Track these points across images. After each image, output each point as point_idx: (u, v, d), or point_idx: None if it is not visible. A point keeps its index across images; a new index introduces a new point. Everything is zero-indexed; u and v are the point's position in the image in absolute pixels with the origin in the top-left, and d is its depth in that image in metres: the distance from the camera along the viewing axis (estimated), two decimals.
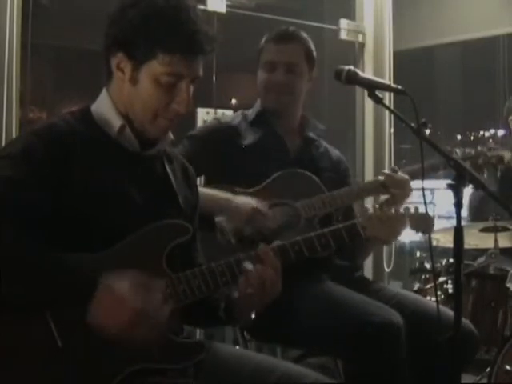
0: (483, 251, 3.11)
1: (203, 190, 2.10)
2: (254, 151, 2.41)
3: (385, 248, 4.20)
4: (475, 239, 3.06)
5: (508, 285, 2.80)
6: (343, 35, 4.25)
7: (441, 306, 2.21)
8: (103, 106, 1.69)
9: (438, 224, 3.36)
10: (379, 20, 4.31)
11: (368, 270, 4.18)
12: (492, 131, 2.45)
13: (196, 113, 3.58)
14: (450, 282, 2.96)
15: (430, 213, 2.40)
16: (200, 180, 2.40)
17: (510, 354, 2.61)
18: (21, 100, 3.07)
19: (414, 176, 2.39)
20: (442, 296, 2.94)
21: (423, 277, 3.12)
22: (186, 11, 1.61)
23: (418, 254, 3.56)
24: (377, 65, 4.31)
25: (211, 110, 3.62)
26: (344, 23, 4.24)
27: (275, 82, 2.42)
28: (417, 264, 3.21)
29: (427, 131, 1.78)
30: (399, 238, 2.02)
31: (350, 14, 4.37)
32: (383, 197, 2.38)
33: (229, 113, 3.44)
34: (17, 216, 1.49)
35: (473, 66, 5.59)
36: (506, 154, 2.45)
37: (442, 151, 1.70)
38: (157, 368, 1.55)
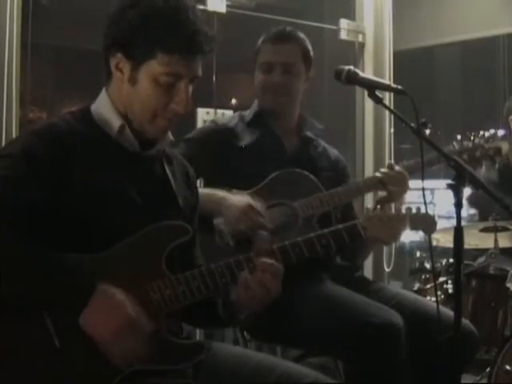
0: (483, 251, 3.11)
1: (200, 190, 2.09)
2: (251, 152, 2.40)
3: (385, 248, 4.20)
4: (475, 239, 3.06)
5: (508, 285, 2.80)
6: (343, 35, 4.25)
7: (441, 306, 2.21)
8: (103, 106, 1.69)
9: (438, 224, 3.36)
10: (379, 20, 4.31)
11: (368, 269, 4.18)
12: (492, 131, 2.43)
13: (196, 113, 3.58)
14: (450, 281, 2.96)
15: (430, 213, 2.39)
16: (200, 182, 2.40)
17: (510, 354, 2.61)
18: (21, 100, 3.07)
19: (410, 171, 2.38)
20: (442, 296, 2.94)
21: (423, 277, 3.12)
22: (185, 11, 1.61)
23: (418, 253, 3.56)
24: (377, 65, 4.31)
25: (211, 110, 3.62)
26: (344, 23, 4.24)
27: (272, 82, 2.42)
28: (417, 264, 3.21)
29: (427, 131, 1.78)
30: (399, 238, 2.02)
31: (350, 14, 4.37)
32: (381, 193, 2.37)
33: (229, 113, 3.45)
34: (16, 216, 1.49)
35: (473, 66, 5.58)
36: (504, 146, 2.43)
37: (442, 151, 1.70)
38: (156, 369, 1.55)
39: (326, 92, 4.87)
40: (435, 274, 3.00)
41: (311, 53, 2.49)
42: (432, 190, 4.45)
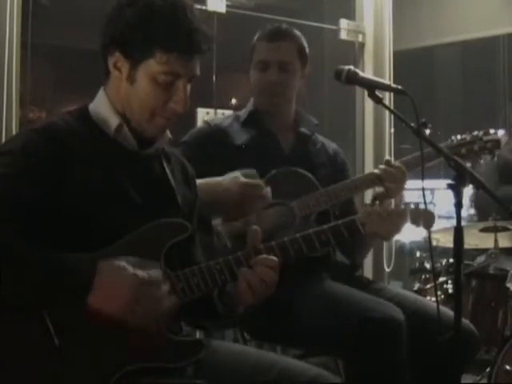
0: (483, 251, 3.11)
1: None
2: (246, 151, 2.40)
3: (385, 248, 4.20)
4: (475, 239, 3.06)
5: (508, 285, 2.80)
6: (343, 35, 4.25)
7: (441, 306, 2.21)
8: (101, 106, 1.70)
9: (438, 224, 3.36)
10: (379, 20, 4.31)
11: (368, 269, 4.18)
12: (492, 131, 2.42)
13: (196, 113, 3.58)
14: (450, 281, 2.96)
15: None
16: None
17: (510, 354, 2.61)
18: (21, 100, 3.07)
19: (407, 166, 2.37)
20: (442, 296, 2.94)
21: (423, 277, 3.12)
22: (183, 10, 1.61)
23: (418, 254, 3.55)
24: (377, 65, 4.32)
25: (211, 110, 3.62)
26: (344, 23, 4.24)
27: (268, 81, 2.41)
28: (417, 264, 3.21)
29: (427, 131, 1.78)
30: (399, 235, 2.01)
31: (350, 14, 4.37)
32: (378, 189, 2.36)
33: (229, 113, 3.44)
34: (16, 213, 1.49)
35: (473, 65, 5.58)
36: (503, 138, 2.42)
37: (442, 151, 1.70)
38: (155, 367, 1.55)
39: (326, 92, 4.87)
40: (435, 274, 3.01)
41: (307, 50, 2.48)
42: (432, 190, 4.45)
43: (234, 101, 4.67)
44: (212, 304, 1.73)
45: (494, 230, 2.95)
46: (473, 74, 5.63)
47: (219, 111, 3.60)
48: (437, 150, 1.69)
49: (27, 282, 1.44)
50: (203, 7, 3.49)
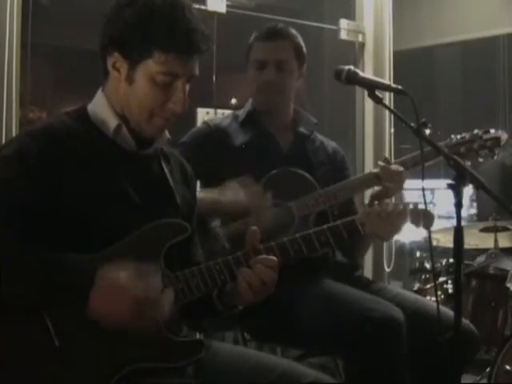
0: (483, 251, 3.11)
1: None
2: (245, 151, 2.40)
3: (385, 248, 4.20)
4: (475, 239, 3.06)
5: (508, 285, 2.80)
6: (343, 35, 4.25)
7: (441, 306, 2.21)
8: (99, 106, 1.69)
9: (438, 224, 3.36)
10: (379, 20, 4.31)
11: (368, 269, 4.18)
12: (492, 131, 2.41)
13: (196, 113, 3.58)
14: (450, 281, 2.96)
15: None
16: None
17: (510, 354, 2.61)
18: (21, 100, 3.07)
19: (406, 166, 2.36)
20: (442, 296, 2.94)
21: (423, 277, 3.12)
22: (181, 10, 1.61)
23: (418, 254, 3.55)
24: (377, 65, 4.31)
25: (211, 110, 3.61)
26: (344, 23, 4.24)
27: (265, 81, 2.40)
28: (417, 264, 3.21)
29: (427, 131, 1.78)
30: (399, 235, 2.00)
31: (350, 14, 4.37)
32: (377, 188, 2.35)
33: (229, 113, 3.44)
34: (15, 215, 1.49)
35: (473, 66, 5.58)
36: (503, 136, 2.39)
37: (442, 151, 1.70)
38: (155, 367, 1.55)
39: (326, 92, 4.87)
40: (435, 274, 3.00)
41: (304, 49, 2.47)
42: (432, 190, 4.45)
43: (233, 101, 4.67)
44: (211, 304, 1.73)
45: (494, 229, 2.95)
46: (473, 73, 5.63)
47: (219, 111, 3.59)
48: (437, 149, 1.70)
49: (27, 283, 1.44)
50: (203, 7, 3.49)
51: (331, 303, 2.17)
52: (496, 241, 2.94)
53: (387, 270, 4.22)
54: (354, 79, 1.75)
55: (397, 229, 1.89)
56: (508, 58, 5.27)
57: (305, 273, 2.19)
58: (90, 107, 1.71)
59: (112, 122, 1.66)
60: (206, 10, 3.49)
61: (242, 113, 2.52)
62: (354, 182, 2.38)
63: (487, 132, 2.38)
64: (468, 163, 2.37)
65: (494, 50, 5.29)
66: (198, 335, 2.18)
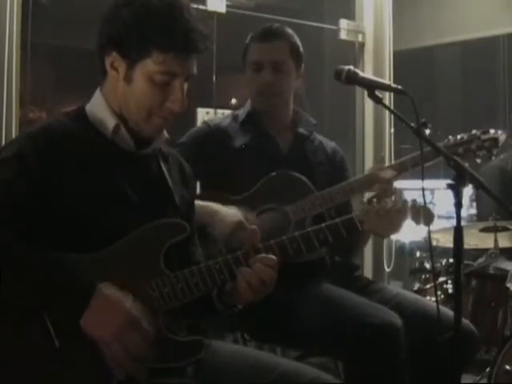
0: (483, 251, 3.11)
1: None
2: (245, 153, 2.39)
3: (385, 248, 4.20)
4: (475, 239, 3.06)
5: (508, 285, 2.80)
6: (343, 35, 4.25)
7: (441, 306, 2.21)
8: (97, 106, 1.69)
9: (438, 224, 3.35)
10: (379, 20, 4.31)
11: (368, 269, 4.19)
12: (492, 131, 2.41)
13: (196, 113, 3.58)
14: (449, 281, 2.96)
15: None
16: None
17: (510, 354, 2.60)
18: (21, 100, 3.07)
19: (405, 167, 2.35)
20: (442, 296, 2.94)
21: (423, 277, 3.12)
22: (179, 10, 1.61)
23: (418, 254, 3.55)
24: (377, 65, 4.32)
25: (211, 110, 3.62)
26: (344, 23, 4.25)
27: (263, 82, 2.39)
28: (417, 264, 3.21)
29: (427, 131, 1.78)
30: (399, 235, 2.00)
31: (350, 14, 4.37)
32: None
33: (229, 113, 3.44)
34: (15, 215, 1.50)
35: (473, 66, 5.57)
36: (501, 137, 2.38)
37: (442, 151, 1.70)
38: (155, 367, 1.55)
39: (326, 92, 4.87)
40: (435, 274, 3.00)
41: (301, 48, 2.45)
42: (432, 190, 4.44)
43: (233, 101, 4.67)
44: (211, 303, 1.73)
45: (494, 230, 2.95)
46: (473, 73, 5.62)
47: (219, 111, 3.59)
48: (436, 149, 1.70)
49: (27, 283, 1.44)
50: (203, 7, 3.50)
51: (330, 306, 2.16)
52: (496, 241, 2.93)
53: (387, 270, 4.22)
54: (353, 79, 1.75)
55: (396, 226, 1.88)
56: (508, 58, 5.26)
57: (303, 275, 2.19)
58: (88, 107, 1.71)
59: (110, 121, 1.66)
60: (205, 10, 3.49)
61: (241, 113, 2.51)
62: (351, 185, 2.37)
63: (486, 132, 2.37)
64: (466, 164, 2.36)
65: (494, 50, 5.29)
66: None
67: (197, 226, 1.91)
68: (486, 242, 2.99)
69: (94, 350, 1.46)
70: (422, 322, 2.23)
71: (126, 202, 1.64)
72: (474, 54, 5.37)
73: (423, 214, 1.87)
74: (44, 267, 1.46)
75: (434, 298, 2.83)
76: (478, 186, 1.64)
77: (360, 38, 4.32)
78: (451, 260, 3.01)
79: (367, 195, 2.39)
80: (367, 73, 3.87)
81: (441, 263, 3.06)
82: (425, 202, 1.80)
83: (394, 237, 4.01)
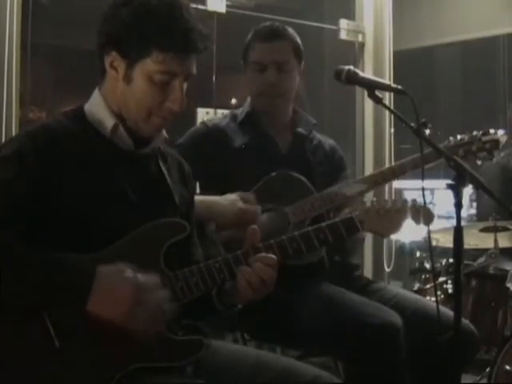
0: (483, 251, 3.11)
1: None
2: (244, 153, 2.38)
3: (385, 248, 4.20)
4: (475, 239, 3.06)
5: (508, 285, 2.80)
6: (343, 35, 4.25)
7: (441, 306, 2.21)
8: (96, 106, 1.69)
9: (438, 224, 3.35)
10: (379, 20, 4.32)
11: (368, 269, 4.19)
12: (492, 131, 2.40)
13: (196, 113, 3.58)
14: (449, 281, 2.96)
15: None
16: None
17: (510, 354, 2.60)
18: (21, 100, 3.07)
19: (405, 169, 2.35)
20: (442, 296, 2.94)
21: (423, 277, 3.12)
22: (179, 9, 1.61)
23: (418, 254, 3.55)
24: (377, 65, 4.32)
25: (211, 110, 3.62)
26: (344, 23, 4.25)
27: (267, 83, 2.37)
28: (417, 264, 3.21)
29: (427, 131, 1.77)
30: (399, 235, 2.00)
31: (350, 14, 4.38)
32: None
33: (227, 113, 3.44)
34: (15, 215, 1.50)
35: (473, 66, 5.58)
36: (502, 138, 2.37)
37: (442, 151, 1.70)
38: (155, 367, 1.55)
39: (326, 92, 4.88)
40: (435, 274, 3.00)
41: (301, 47, 2.44)
42: (432, 190, 4.44)
43: (233, 101, 4.67)
44: (211, 303, 1.73)
45: (494, 230, 2.95)
46: (473, 73, 5.62)
47: (219, 111, 3.59)
48: (436, 150, 1.69)
49: (27, 283, 1.44)
50: (203, 7, 3.50)
51: (331, 306, 2.16)
52: (496, 241, 2.93)
53: (387, 270, 4.22)
54: (353, 79, 1.75)
55: (396, 226, 1.89)
56: (508, 58, 5.27)
57: (303, 276, 2.19)
58: (87, 107, 1.71)
59: (109, 121, 1.66)
60: (205, 10, 3.49)
61: (240, 113, 2.49)
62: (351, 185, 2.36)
63: (486, 134, 2.36)
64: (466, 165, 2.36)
65: (494, 50, 5.29)
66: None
67: (196, 222, 1.91)
68: (486, 241, 2.99)
69: (94, 350, 1.46)
70: (422, 322, 2.23)
71: (126, 201, 1.64)
72: (474, 54, 5.38)
73: (423, 214, 1.88)
74: (44, 267, 1.46)
75: (433, 298, 2.83)
76: (478, 186, 1.64)
77: (360, 38, 4.32)
78: (451, 260, 3.01)
79: (367, 195, 2.40)
80: (367, 73, 3.87)
81: (441, 263, 3.06)
82: (425, 202, 1.80)
83: (393, 237, 4.01)
